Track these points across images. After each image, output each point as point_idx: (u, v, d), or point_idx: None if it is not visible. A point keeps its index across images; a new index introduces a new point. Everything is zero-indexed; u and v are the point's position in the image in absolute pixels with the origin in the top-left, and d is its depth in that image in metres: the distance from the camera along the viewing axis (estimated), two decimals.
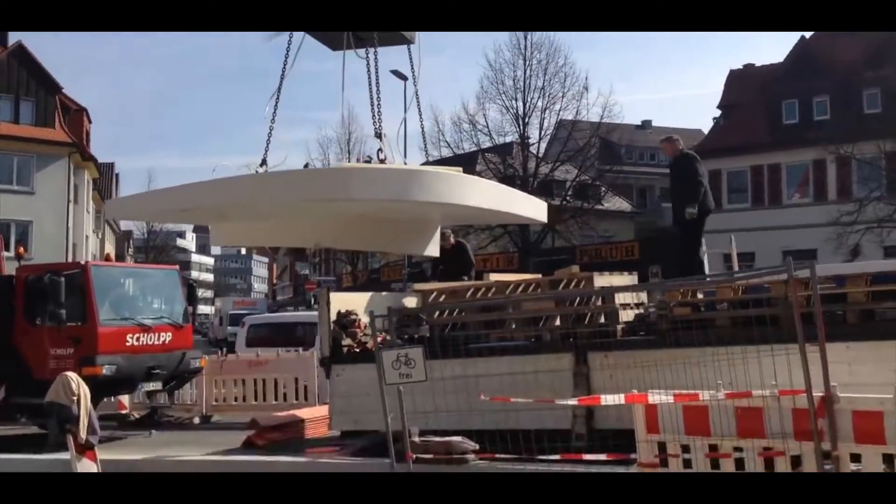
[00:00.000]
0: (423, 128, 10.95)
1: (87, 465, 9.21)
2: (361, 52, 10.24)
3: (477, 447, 8.23)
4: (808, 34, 36.88)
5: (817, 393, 5.86)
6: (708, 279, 8.21)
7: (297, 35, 10.12)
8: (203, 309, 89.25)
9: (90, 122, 46.07)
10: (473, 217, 12.64)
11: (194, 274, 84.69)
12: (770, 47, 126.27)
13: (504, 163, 36.33)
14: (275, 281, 79.69)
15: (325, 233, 11.59)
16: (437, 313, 10.27)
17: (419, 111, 11.09)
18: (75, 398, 9.27)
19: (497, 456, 7.80)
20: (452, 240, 13.39)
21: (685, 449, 6.65)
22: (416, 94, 11.15)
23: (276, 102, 10.49)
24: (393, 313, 8.17)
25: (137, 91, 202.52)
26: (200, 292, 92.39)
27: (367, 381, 8.61)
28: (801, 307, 6.50)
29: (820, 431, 5.79)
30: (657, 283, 8.57)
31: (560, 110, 35.75)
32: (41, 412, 10.67)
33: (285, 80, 10.31)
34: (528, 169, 35.52)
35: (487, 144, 36.89)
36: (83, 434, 9.18)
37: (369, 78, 10.13)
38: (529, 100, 35.13)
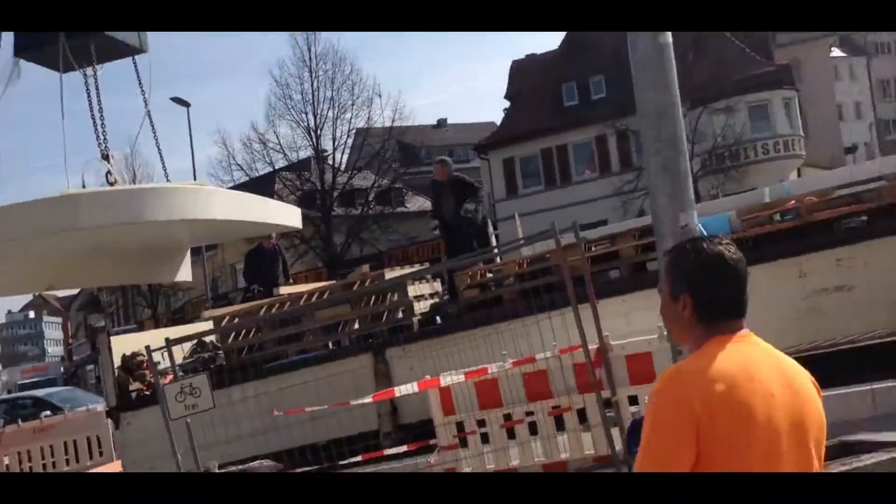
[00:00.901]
0: (159, 148, 9.93)
1: None
2: (89, 70, 9.41)
3: (281, 466, 7.91)
4: None
5: (593, 346, 6.03)
6: (476, 256, 8.32)
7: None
8: None
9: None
10: (225, 232, 11.92)
11: None
12: (548, 35, 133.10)
13: (301, 178, 35.81)
14: (70, 340, 74.63)
15: (60, 272, 10.44)
16: (233, 337, 9.82)
17: (153, 130, 10.10)
18: None
19: (297, 471, 7.52)
20: (273, 241, 12.99)
21: (481, 424, 6.70)
22: (148, 113, 10.21)
23: None
24: (172, 343, 7.64)
25: None
26: None
27: (161, 424, 8.07)
28: (578, 270, 6.69)
29: (599, 381, 5.97)
30: (440, 265, 8.61)
31: (352, 118, 35.75)
32: None
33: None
34: (325, 182, 35.21)
35: (283, 163, 36.25)
36: None
37: (88, 95, 9.27)
38: (320, 112, 34.86)
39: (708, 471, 1.76)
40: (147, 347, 7.59)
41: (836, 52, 55.67)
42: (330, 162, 36.41)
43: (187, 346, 10.14)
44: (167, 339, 7.64)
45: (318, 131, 34.93)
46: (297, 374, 8.42)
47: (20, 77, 9.18)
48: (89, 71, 9.10)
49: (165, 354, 7.84)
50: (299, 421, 7.65)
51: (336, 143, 35.79)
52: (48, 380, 47.99)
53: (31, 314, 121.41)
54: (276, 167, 36.30)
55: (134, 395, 9.42)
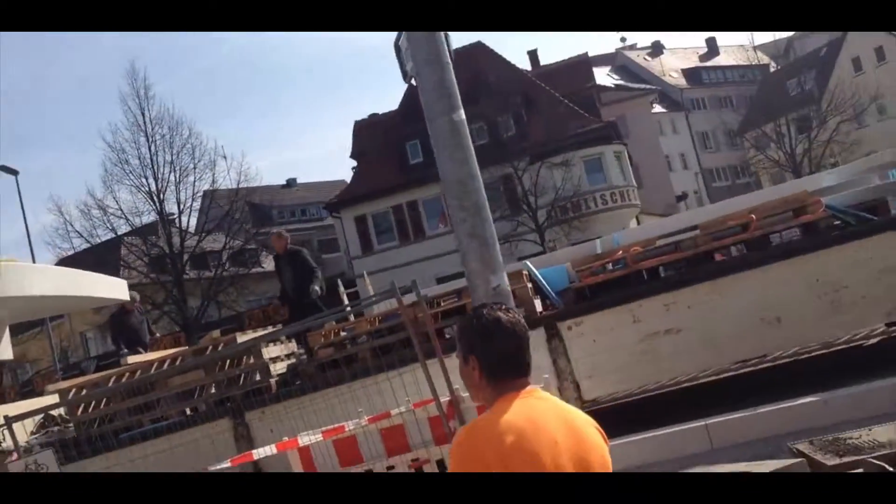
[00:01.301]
0: None
1: None
2: None
3: None
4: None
5: (444, 398, 6.38)
6: (327, 315, 8.57)
7: None
8: None
9: None
10: (46, 308, 11.61)
11: None
12: (388, 95, 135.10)
13: (147, 243, 34.69)
14: None
15: None
16: (82, 409, 9.55)
17: None
18: None
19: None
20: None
21: None
22: None
23: None
24: (12, 419, 7.39)
25: None
26: None
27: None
28: (425, 326, 7.03)
29: (454, 432, 6.31)
30: (294, 326, 8.78)
31: (195, 181, 35.01)
32: None
33: None
34: (174, 245, 34.31)
35: (126, 228, 35.00)
36: None
37: None
38: (161, 175, 33.96)
39: None
40: (6, 417, 7.33)
41: (658, 108, 60.25)
42: (177, 225, 35.55)
43: (33, 421, 9.80)
44: (6, 417, 7.41)
45: (161, 195, 34.01)
46: (154, 444, 8.32)
47: None
48: None
49: (6, 433, 7.60)
50: None
51: (182, 207, 34.94)
52: None
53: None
54: (120, 233, 35.01)
55: None
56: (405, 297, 7.18)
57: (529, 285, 8.92)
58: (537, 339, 8.35)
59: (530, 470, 2.05)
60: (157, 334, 12.13)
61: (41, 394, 33.05)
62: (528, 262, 9.78)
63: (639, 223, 35.18)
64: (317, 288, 10.79)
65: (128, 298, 12.04)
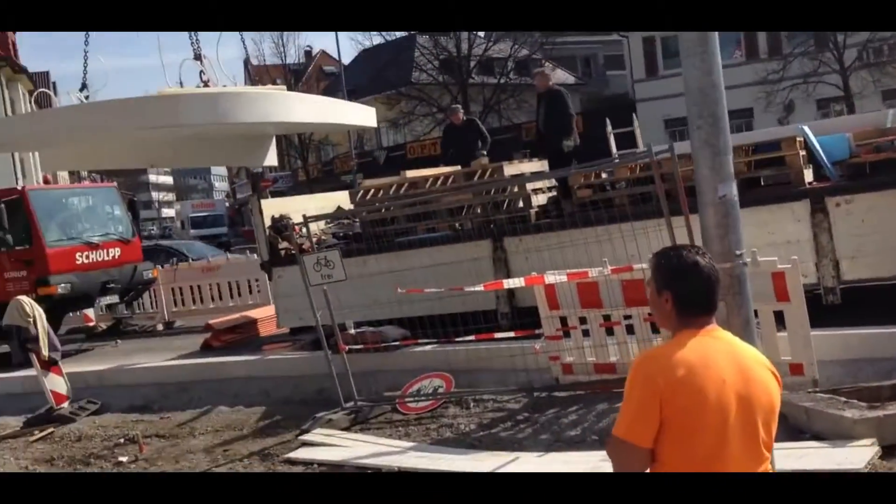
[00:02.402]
0: (245, 47, 11.29)
1: (53, 380, 9.91)
2: None
3: (408, 334, 9.03)
4: None
5: None
6: (580, 168, 8.81)
7: None
8: (166, 212, 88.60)
9: (15, 32, 44.46)
10: (305, 127, 13.02)
11: (152, 178, 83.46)
12: None
13: (437, 47, 36.04)
14: (234, 179, 79.05)
15: (160, 154, 12.04)
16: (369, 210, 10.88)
17: (242, 37, 11.18)
18: (31, 319, 9.84)
19: (420, 341, 8.60)
20: (461, 116, 13.12)
21: (582, 321, 7.52)
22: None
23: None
24: (309, 219, 8.70)
25: None
26: (161, 195, 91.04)
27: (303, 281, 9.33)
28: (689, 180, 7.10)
29: None
30: (558, 171, 9.20)
31: None
32: (3, 334, 11.29)
33: None
34: (462, 50, 35.33)
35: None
36: (45, 351, 9.82)
37: None
38: None
39: (669, 435, 2.35)
40: (304, 216, 8.68)
41: None
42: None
43: (331, 209, 11.39)
44: (304, 217, 8.74)
45: None
46: (426, 253, 9.33)
47: None
48: None
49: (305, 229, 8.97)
50: (424, 294, 8.62)
51: None
52: (216, 216, 51.68)
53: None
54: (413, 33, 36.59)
55: (283, 252, 10.74)
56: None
57: (802, 153, 8.59)
58: (800, 211, 8.19)
59: (695, 403, 2.37)
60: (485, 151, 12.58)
61: (338, 175, 36.89)
62: (805, 127, 9.28)
63: None
64: (569, 143, 10.48)
65: (374, 125, 12.88)
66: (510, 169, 10.18)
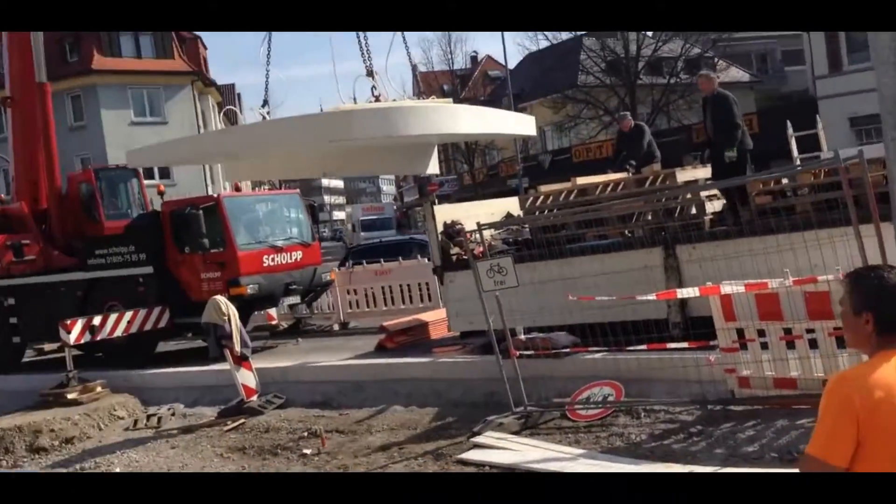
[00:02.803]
0: (410, 59, 11.74)
1: (244, 374, 10.70)
2: None
3: (578, 341, 9.06)
4: None
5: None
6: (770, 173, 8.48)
7: None
8: (337, 215, 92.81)
9: (205, 48, 47.98)
10: (468, 137, 13.54)
11: (325, 182, 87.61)
12: None
13: (604, 49, 35.63)
14: (401, 183, 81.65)
15: (332, 163, 12.78)
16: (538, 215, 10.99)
17: (407, 49, 11.69)
18: (225, 317, 10.67)
19: (591, 349, 8.60)
20: (630, 122, 13.01)
21: (760, 333, 7.28)
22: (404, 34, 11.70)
23: (269, 45, 11.58)
24: (483, 227, 8.93)
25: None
26: (333, 199, 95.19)
27: (476, 287, 9.56)
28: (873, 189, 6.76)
29: None
30: (732, 180, 8.89)
31: None
32: (202, 329, 12.29)
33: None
34: (630, 51, 34.75)
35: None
36: (238, 348, 10.62)
37: None
38: None
39: (867, 456, 2.33)
40: (478, 223, 8.94)
41: None
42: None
43: (499, 215, 11.64)
44: (478, 224, 8.98)
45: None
46: (597, 260, 9.34)
47: None
48: None
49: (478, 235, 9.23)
50: (593, 302, 8.60)
51: None
52: (384, 219, 53.65)
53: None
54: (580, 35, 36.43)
55: (454, 258, 11.04)
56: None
57: None
58: None
59: (894, 424, 2.34)
60: (657, 154, 12.41)
61: (504, 179, 37.37)
62: None
63: None
64: (731, 154, 9.65)
65: (533, 133, 13.30)
66: (683, 175, 10.00)
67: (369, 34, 11.08)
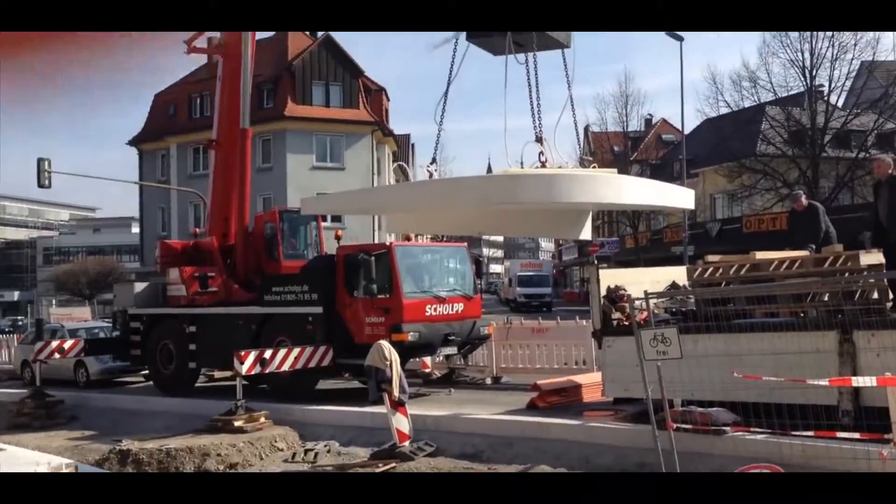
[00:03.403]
0: (576, 128, 11.82)
1: (399, 419, 11.02)
2: (521, 57, 11.11)
3: (738, 419, 8.73)
4: None
5: None
6: None
7: (462, 43, 11.34)
8: (494, 268, 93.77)
9: (388, 100, 50.29)
10: (627, 206, 13.50)
11: (485, 235, 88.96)
12: None
13: (789, 119, 34.34)
14: (561, 241, 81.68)
15: (489, 223, 13.09)
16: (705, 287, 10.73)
17: (573, 114, 11.72)
18: (388, 362, 11.07)
19: (752, 429, 8.25)
20: (805, 201, 12.51)
21: None
22: (571, 98, 11.80)
23: (444, 106, 11.95)
24: (650, 296, 8.85)
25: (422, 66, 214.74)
26: (491, 252, 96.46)
27: (635, 353, 9.41)
28: None
29: None
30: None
31: (852, 60, 33.23)
32: (361, 371, 12.77)
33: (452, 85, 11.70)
34: (817, 122, 33.29)
35: (770, 99, 35.21)
36: (396, 392, 10.97)
37: (529, 83, 11.05)
38: (817, 50, 32.91)
39: None
40: (646, 292, 8.90)
41: None
42: (825, 99, 34.32)
43: (664, 283, 11.46)
44: (645, 293, 8.91)
45: (814, 71, 33.11)
46: (764, 338, 9.01)
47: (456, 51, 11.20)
48: (530, 61, 11.04)
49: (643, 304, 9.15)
50: (757, 381, 8.27)
51: (833, 83, 33.55)
52: (542, 276, 53.88)
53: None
54: (763, 103, 35.38)
55: (615, 323, 10.95)
56: None
57: None
58: None
59: None
60: (834, 235, 11.76)
61: (669, 245, 36.67)
62: None
63: None
64: None
65: (692, 207, 13.14)
66: (867, 258, 9.48)
67: (542, 95, 11.37)
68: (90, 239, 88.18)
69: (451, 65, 11.61)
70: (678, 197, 12.25)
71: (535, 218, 12.59)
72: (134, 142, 47.54)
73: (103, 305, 41.72)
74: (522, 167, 11.22)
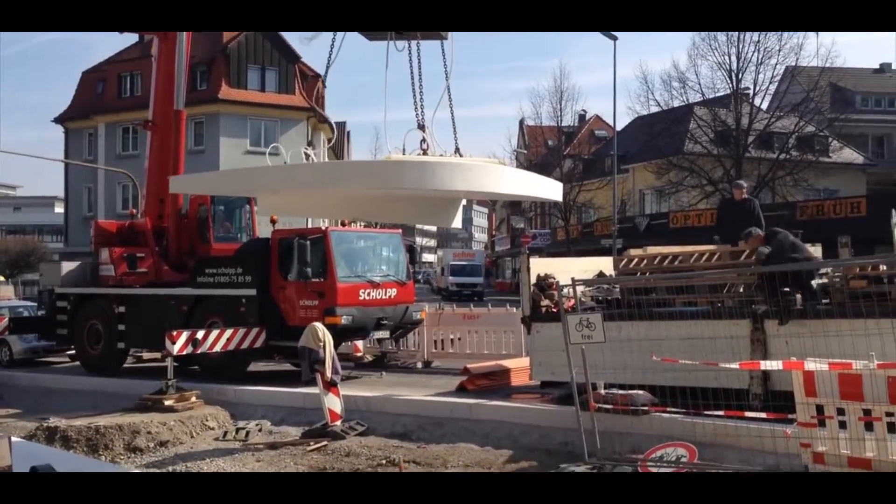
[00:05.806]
0: (453, 119, 11.54)
1: (332, 400, 11.21)
2: (401, 44, 11.07)
3: (656, 400, 9.21)
4: None
5: None
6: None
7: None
8: (427, 257, 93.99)
9: (325, 86, 49.95)
10: (495, 196, 13.67)
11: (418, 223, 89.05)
12: None
13: (715, 120, 35.67)
14: (494, 232, 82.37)
15: (362, 209, 13.05)
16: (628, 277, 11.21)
17: (450, 104, 11.60)
18: (321, 344, 11.24)
19: (669, 410, 8.74)
20: (745, 193, 12.91)
21: (840, 412, 7.31)
22: (448, 88, 11.77)
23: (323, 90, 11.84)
24: (577, 282, 9.23)
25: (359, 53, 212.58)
26: (424, 241, 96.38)
27: (562, 339, 9.83)
28: None
29: None
30: (834, 261, 8.96)
31: (776, 65, 34.79)
32: (293, 354, 12.90)
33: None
34: (741, 124, 34.64)
35: (698, 99, 36.49)
36: (329, 374, 11.16)
37: (411, 71, 11.06)
38: (744, 54, 34.34)
39: None
40: (573, 279, 9.27)
41: None
42: (749, 102, 35.65)
43: (592, 273, 11.87)
44: (573, 279, 9.30)
45: (740, 74, 34.48)
46: (683, 325, 9.49)
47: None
48: (413, 50, 11.05)
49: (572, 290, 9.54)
50: (675, 365, 8.74)
51: (758, 87, 35.04)
52: (474, 265, 54.29)
53: (464, 201, 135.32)
54: (692, 103, 36.63)
55: (544, 309, 11.34)
56: None
57: None
58: None
59: None
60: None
61: (598, 238, 37.50)
62: None
63: None
64: (764, 250, 10.01)
65: (559, 199, 13.33)
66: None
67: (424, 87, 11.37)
68: (10, 218, 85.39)
69: (330, 53, 11.30)
70: (548, 189, 12.55)
71: (409, 205, 12.55)
72: (60, 119, 46.16)
73: (25, 286, 40.55)
74: (405, 154, 11.26)
